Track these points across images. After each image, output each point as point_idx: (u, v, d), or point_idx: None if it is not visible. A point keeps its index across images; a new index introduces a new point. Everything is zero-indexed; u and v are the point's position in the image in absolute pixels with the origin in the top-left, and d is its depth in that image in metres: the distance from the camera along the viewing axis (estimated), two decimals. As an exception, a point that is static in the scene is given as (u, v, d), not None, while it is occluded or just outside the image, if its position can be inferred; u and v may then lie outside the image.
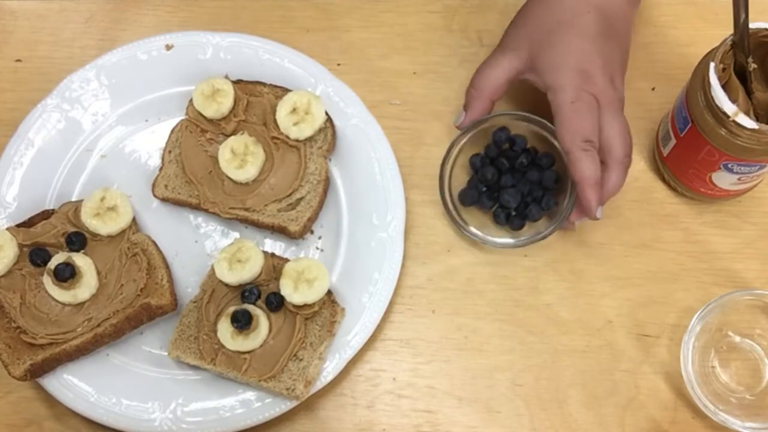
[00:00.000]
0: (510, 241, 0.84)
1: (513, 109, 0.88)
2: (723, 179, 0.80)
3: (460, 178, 0.86)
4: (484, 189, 0.84)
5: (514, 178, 0.84)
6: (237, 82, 0.86)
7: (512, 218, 0.83)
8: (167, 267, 0.83)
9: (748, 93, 0.74)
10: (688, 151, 0.80)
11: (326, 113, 0.85)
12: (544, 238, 0.82)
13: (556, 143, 0.83)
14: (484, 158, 0.85)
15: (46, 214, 0.84)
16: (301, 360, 0.79)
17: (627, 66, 0.82)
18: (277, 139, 0.85)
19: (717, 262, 0.85)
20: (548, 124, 0.82)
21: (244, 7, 0.93)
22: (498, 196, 0.83)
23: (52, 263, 0.80)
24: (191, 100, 0.86)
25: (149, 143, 0.88)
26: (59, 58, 0.92)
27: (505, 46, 0.82)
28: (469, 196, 0.84)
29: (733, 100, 0.73)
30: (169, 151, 0.86)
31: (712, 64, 0.73)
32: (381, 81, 0.90)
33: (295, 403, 0.79)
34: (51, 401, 0.82)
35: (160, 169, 0.86)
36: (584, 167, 0.76)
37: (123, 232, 0.83)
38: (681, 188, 0.85)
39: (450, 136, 0.85)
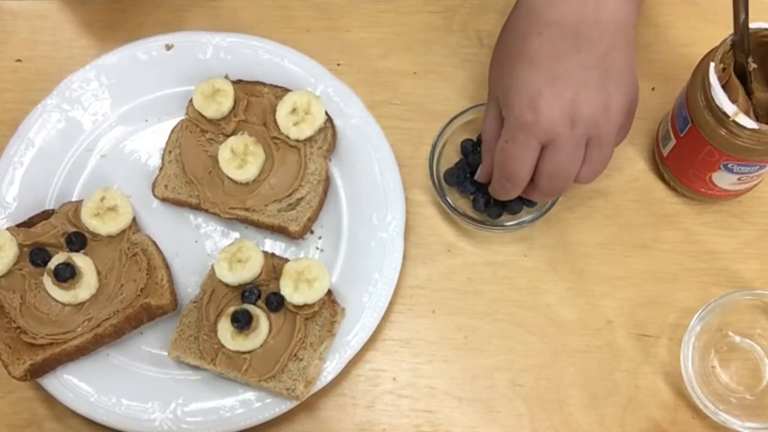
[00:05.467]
0: (484, 222, 0.84)
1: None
2: (723, 179, 0.80)
3: (450, 158, 0.86)
4: (470, 174, 0.84)
5: None
6: (237, 82, 0.86)
7: (491, 206, 0.83)
8: (167, 267, 0.83)
9: (748, 93, 0.74)
10: (688, 151, 0.80)
11: (326, 113, 0.85)
12: (520, 226, 0.83)
13: None
14: (475, 144, 0.85)
15: (46, 214, 0.84)
16: (301, 360, 0.79)
17: (611, 72, 0.71)
18: (277, 139, 0.85)
19: (717, 262, 0.85)
20: None
21: (243, 7, 0.93)
22: (481, 183, 0.84)
23: (52, 263, 0.80)
24: (191, 100, 0.86)
25: (149, 143, 0.88)
26: (59, 58, 0.92)
27: (490, 89, 0.77)
28: (454, 176, 0.84)
29: (733, 100, 0.73)
30: (169, 151, 0.86)
31: (712, 64, 0.73)
32: (381, 81, 0.90)
33: (295, 403, 0.79)
34: (51, 401, 0.81)
35: (160, 169, 0.86)
36: (499, 194, 0.78)
37: (123, 232, 0.83)
38: (681, 188, 0.85)
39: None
